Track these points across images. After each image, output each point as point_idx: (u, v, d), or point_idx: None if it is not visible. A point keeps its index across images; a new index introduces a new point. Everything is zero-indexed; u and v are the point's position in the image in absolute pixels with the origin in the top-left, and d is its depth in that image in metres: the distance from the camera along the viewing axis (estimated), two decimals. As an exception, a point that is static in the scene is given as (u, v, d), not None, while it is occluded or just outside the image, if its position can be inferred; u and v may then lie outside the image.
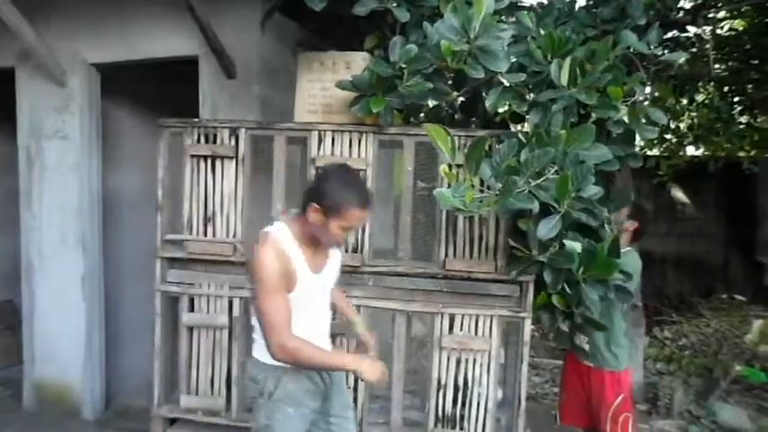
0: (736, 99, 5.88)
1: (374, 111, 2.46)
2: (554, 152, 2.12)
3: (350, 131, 2.68)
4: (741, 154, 6.75)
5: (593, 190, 2.19)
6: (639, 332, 4.73)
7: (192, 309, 2.86)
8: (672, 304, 6.95)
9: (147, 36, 3.50)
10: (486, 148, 2.14)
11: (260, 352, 2.03)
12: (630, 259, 2.93)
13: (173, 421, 2.98)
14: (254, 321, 2.05)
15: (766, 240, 7.94)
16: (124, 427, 3.76)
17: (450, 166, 2.23)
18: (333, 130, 2.69)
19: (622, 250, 3.00)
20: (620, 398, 2.91)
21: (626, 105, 2.41)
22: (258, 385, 2.03)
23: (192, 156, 2.81)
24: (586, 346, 2.98)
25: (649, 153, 7.40)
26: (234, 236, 2.79)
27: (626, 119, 2.44)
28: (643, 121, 2.47)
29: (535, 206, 2.13)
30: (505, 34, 2.31)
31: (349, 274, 2.71)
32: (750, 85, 5.51)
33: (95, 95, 3.81)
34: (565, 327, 2.53)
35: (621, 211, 2.93)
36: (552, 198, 2.15)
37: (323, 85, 2.80)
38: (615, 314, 2.93)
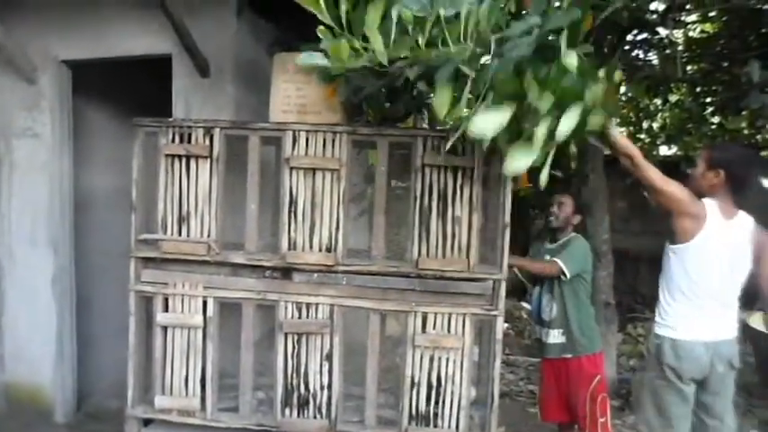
0: (707, 100, 5.99)
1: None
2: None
3: (324, 132, 2.68)
4: (712, 154, 6.86)
5: None
6: (612, 329, 4.82)
7: (166, 309, 2.84)
8: (645, 302, 7.08)
9: (120, 33, 3.47)
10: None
11: None
12: (578, 242, 3.13)
13: (147, 422, 2.97)
14: None
15: (736, 238, 8.09)
16: (97, 429, 3.73)
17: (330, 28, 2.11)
18: (307, 131, 2.69)
19: (569, 236, 3.21)
20: (597, 378, 3.05)
21: None
22: None
23: (167, 155, 2.79)
24: (562, 338, 3.08)
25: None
26: (208, 235, 2.78)
27: None
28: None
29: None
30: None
31: (323, 274, 2.73)
32: (720, 87, 5.62)
33: (66, 93, 3.77)
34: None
35: (566, 207, 3.18)
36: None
37: (298, 85, 2.79)
38: (582, 295, 3.07)
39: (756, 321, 4.36)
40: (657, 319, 2.60)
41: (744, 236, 2.49)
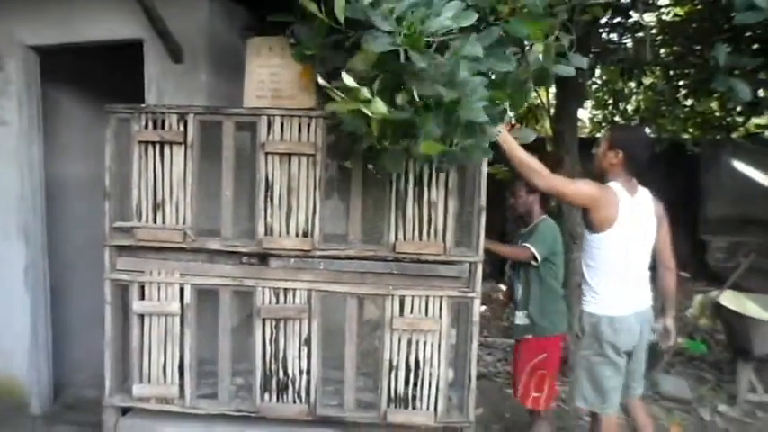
0: (680, 83, 6.06)
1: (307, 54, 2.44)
2: None
3: (299, 116, 2.67)
4: (685, 136, 6.99)
5: None
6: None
7: (142, 296, 2.82)
8: (620, 282, 7.17)
9: (89, 18, 3.39)
10: None
11: None
12: (545, 225, 3.16)
13: (125, 411, 2.96)
14: None
15: (708, 219, 8.28)
16: (74, 419, 3.69)
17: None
18: (282, 116, 2.68)
19: (538, 220, 3.27)
20: (542, 356, 3.09)
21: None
22: None
23: (140, 142, 2.76)
24: (526, 320, 3.14)
25: (597, 135, 7.61)
26: (184, 222, 2.76)
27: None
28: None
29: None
30: None
31: (300, 259, 2.73)
32: (693, 70, 5.69)
33: (35, 79, 3.68)
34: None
35: (520, 194, 3.25)
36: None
37: (272, 70, 2.77)
38: (548, 278, 3.12)
39: (727, 300, 4.47)
40: (588, 299, 2.72)
41: (648, 209, 2.72)
